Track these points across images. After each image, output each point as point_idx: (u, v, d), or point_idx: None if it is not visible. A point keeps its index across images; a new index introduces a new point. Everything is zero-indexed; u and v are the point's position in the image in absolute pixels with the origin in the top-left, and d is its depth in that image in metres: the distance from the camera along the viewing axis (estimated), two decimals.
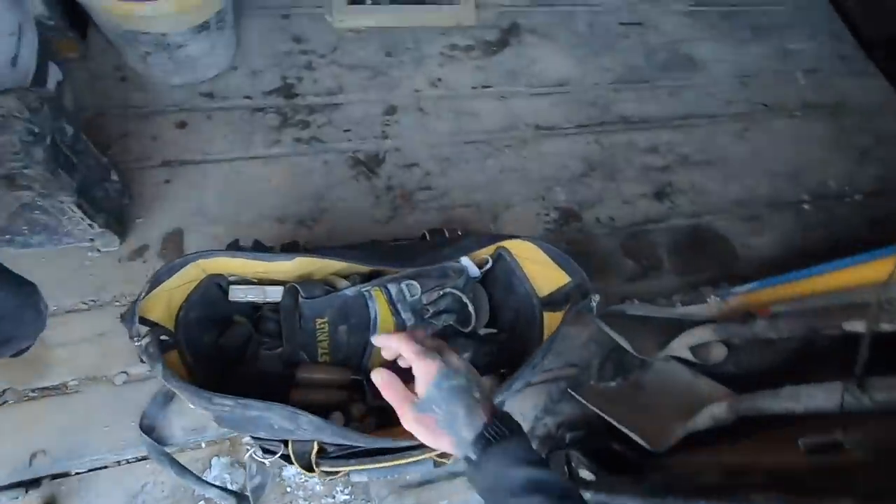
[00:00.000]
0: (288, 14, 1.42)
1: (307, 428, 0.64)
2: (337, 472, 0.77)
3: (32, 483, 0.89)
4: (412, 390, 0.52)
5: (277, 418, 0.64)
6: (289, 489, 1.00)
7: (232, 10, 1.21)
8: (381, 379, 0.53)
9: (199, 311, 0.76)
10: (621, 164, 1.42)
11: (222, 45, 1.24)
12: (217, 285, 0.80)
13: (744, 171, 1.49)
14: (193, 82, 1.26)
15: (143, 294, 0.65)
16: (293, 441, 0.71)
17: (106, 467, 0.95)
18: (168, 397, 0.92)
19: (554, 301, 0.87)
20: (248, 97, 1.29)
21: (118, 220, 1.01)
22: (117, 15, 1.02)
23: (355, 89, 1.36)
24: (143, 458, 0.96)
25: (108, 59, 1.26)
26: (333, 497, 0.99)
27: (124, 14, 1.01)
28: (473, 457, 0.49)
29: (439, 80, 1.43)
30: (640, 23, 1.69)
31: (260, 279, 0.82)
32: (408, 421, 0.51)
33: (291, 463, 0.74)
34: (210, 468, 0.97)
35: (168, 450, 0.89)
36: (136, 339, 0.64)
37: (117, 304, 1.01)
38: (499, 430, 0.49)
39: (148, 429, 0.90)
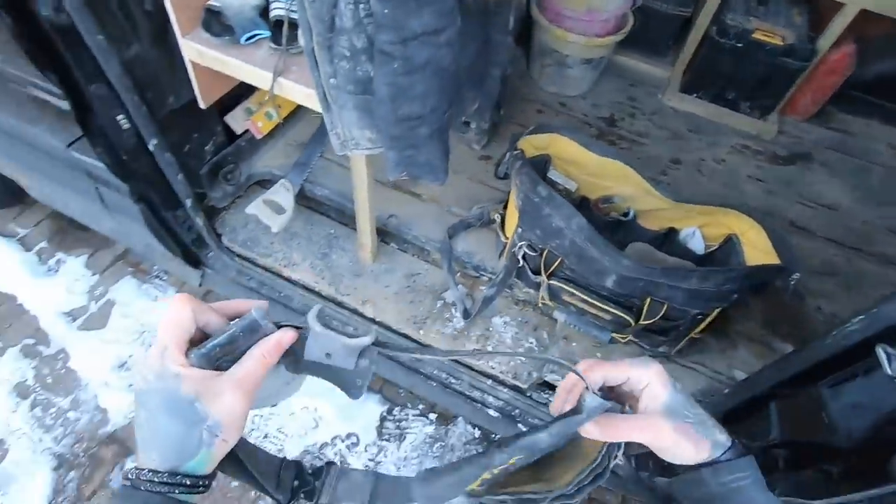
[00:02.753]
0: (634, 84, 2.02)
1: (574, 228, 1.05)
2: (559, 296, 1.15)
3: (382, 233, 1.50)
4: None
5: (558, 218, 1.07)
6: (489, 329, 1.40)
7: (604, 62, 1.84)
8: (595, 428, 0.44)
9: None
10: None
11: (588, 79, 1.88)
12: (543, 163, 1.29)
13: None
14: (558, 94, 1.91)
15: (527, 133, 1.19)
16: (550, 250, 1.13)
17: (407, 251, 1.52)
18: None
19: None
20: (584, 115, 1.88)
21: (493, 131, 1.65)
22: (554, 35, 1.72)
23: (653, 140, 1.83)
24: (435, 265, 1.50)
25: (519, 66, 2.01)
26: (520, 345, 1.35)
27: (558, 36, 1.70)
28: (723, 458, 0.44)
29: (723, 160, 1.80)
30: None
31: (566, 173, 1.30)
32: (667, 433, 0.43)
33: (537, 273, 1.16)
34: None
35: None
36: (514, 151, 1.16)
37: (456, 174, 1.62)
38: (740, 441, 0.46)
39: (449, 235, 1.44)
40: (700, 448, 0.44)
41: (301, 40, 1.04)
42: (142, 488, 0.37)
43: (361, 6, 0.75)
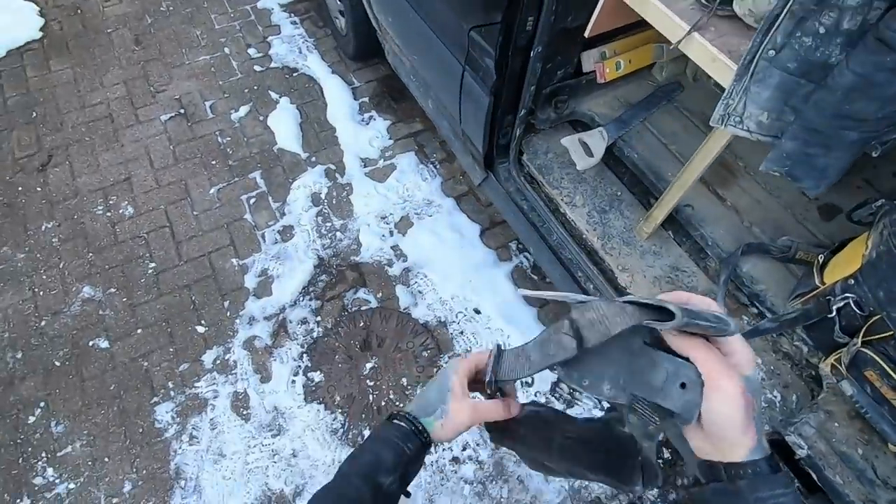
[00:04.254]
0: None
1: None
2: (862, 368, 1.02)
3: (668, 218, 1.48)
4: None
5: None
6: None
7: None
8: (684, 338, 0.42)
9: None
10: None
11: None
12: None
13: None
14: None
15: None
16: (885, 317, 0.99)
17: (682, 245, 1.47)
18: None
19: None
20: None
21: None
22: None
23: None
24: None
25: None
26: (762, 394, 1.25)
27: None
28: (760, 467, 0.41)
29: None
30: None
31: None
32: (736, 388, 0.40)
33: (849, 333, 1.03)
34: None
35: None
36: (895, 201, 1.02)
37: (771, 196, 1.49)
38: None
39: None
40: (747, 432, 0.40)
41: (736, 5, 1.04)
42: (395, 419, 0.57)
43: None
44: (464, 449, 1.68)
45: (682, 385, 0.41)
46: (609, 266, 1.46)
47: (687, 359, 0.42)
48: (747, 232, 1.43)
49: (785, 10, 0.83)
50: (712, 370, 0.41)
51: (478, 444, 1.69)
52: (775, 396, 1.25)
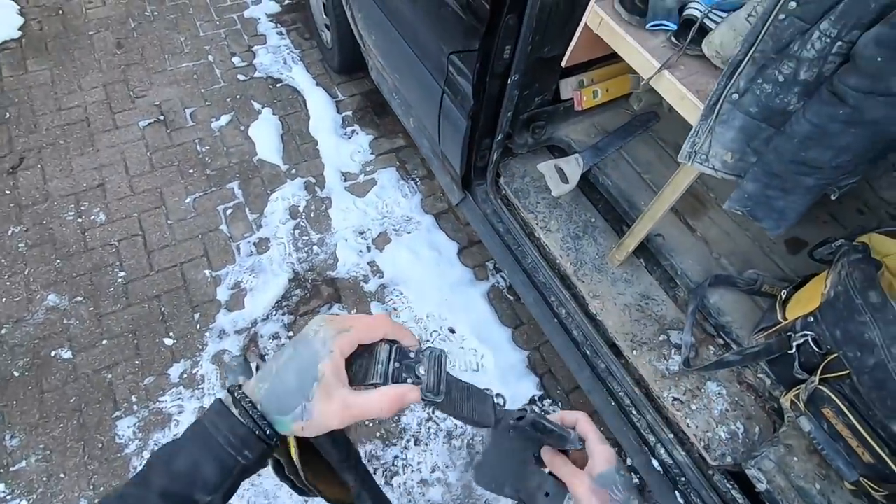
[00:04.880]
0: None
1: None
2: (819, 405, 1.03)
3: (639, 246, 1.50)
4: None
5: (878, 333, 0.95)
6: (700, 390, 1.33)
7: None
8: (549, 455, 0.55)
9: None
10: None
11: None
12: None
13: None
14: (894, 203, 1.65)
15: (880, 230, 1.06)
16: (840, 357, 1.01)
17: (653, 273, 1.48)
18: None
19: None
20: None
21: None
22: None
23: None
24: None
25: None
26: (725, 423, 1.26)
27: None
28: None
29: None
30: None
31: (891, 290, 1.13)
32: (584, 488, 0.51)
33: (808, 370, 1.05)
34: None
35: None
36: (855, 242, 1.05)
37: (741, 228, 1.51)
38: None
39: None
40: None
41: (705, 46, 1.07)
42: (235, 410, 0.40)
43: (839, 44, 0.73)
44: (433, 471, 1.66)
45: (546, 494, 0.55)
46: (581, 292, 1.47)
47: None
48: (716, 263, 1.45)
49: (747, 57, 0.86)
50: (568, 480, 0.53)
51: (447, 466, 1.67)
52: (738, 428, 1.27)
